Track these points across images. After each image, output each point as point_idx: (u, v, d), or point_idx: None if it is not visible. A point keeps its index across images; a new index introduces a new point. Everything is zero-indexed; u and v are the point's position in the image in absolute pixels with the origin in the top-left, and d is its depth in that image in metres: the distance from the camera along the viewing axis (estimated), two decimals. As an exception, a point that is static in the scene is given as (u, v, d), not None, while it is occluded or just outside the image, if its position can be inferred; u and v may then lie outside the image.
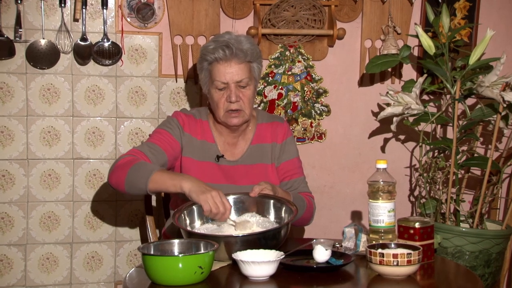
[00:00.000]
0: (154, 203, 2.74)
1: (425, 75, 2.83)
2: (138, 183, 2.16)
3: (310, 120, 3.12)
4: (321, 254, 1.94)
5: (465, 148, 2.97)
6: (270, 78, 3.06)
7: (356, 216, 3.22)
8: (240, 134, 2.46)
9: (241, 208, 2.24)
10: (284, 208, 2.18)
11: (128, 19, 2.93)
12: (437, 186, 2.77)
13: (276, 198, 2.21)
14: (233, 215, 2.21)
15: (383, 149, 3.25)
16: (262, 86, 3.04)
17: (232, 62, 2.32)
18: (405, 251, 1.90)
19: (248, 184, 2.36)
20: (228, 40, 2.33)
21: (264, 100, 3.06)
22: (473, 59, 2.67)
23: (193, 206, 2.18)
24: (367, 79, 3.21)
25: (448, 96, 2.86)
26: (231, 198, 2.24)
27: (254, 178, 2.40)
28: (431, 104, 3.01)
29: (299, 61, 3.08)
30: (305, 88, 3.10)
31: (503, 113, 2.69)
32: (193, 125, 2.42)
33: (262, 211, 2.21)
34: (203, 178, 2.35)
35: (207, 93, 2.42)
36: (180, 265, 1.76)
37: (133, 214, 3.02)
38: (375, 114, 3.18)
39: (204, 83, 2.41)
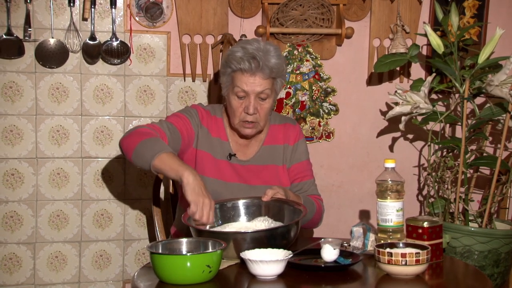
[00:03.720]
0: (162, 197, 2.75)
1: (434, 74, 2.82)
2: (146, 155, 2.12)
3: (318, 119, 3.12)
4: (329, 253, 1.94)
5: (474, 147, 2.95)
6: (278, 77, 3.05)
7: (364, 215, 3.21)
8: (253, 136, 2.46)
9: (254, 212, 2.23)
10: (295, 212, 2.17)
11: (137, 18, 2.93)
12: (446, 186, 2.76)
13: (289, 202, 2.21)
14: (243, 218, 2.22)
15: (391, 148, 3.24)
16: (270, 85, 3.04)
17: (257, 76, 2.29)
18: (414, 250, 1.90)
19: (259, 184, 2.36)
20: (255, 52, 2.28)
21: (272, 99, 3.06)
22: (482, 58, 2.66)
23: None
24: (375, 78, 3.20)
25: (457, 95, 2.85)
26: (242, 202, 2.25)
27: (265, 179, 2.40)
28: (440, 103, 3.00)
29: (307, 60, 3.08)
30: (313, 87, 3.09)
31: (512, 112, 2.69)
32: (209, 121, 2.43)
33: (275, 215, 2.20)
34: (218, 175, 2.36)
35: (225, 96, 2.40)
36: (188, 264, 1.76)
37: (141, 213, 3.03)
38: (384, 113, 3.17)
39: (225, 87, 2.39)
